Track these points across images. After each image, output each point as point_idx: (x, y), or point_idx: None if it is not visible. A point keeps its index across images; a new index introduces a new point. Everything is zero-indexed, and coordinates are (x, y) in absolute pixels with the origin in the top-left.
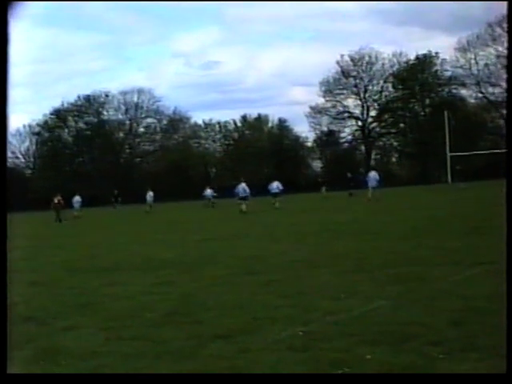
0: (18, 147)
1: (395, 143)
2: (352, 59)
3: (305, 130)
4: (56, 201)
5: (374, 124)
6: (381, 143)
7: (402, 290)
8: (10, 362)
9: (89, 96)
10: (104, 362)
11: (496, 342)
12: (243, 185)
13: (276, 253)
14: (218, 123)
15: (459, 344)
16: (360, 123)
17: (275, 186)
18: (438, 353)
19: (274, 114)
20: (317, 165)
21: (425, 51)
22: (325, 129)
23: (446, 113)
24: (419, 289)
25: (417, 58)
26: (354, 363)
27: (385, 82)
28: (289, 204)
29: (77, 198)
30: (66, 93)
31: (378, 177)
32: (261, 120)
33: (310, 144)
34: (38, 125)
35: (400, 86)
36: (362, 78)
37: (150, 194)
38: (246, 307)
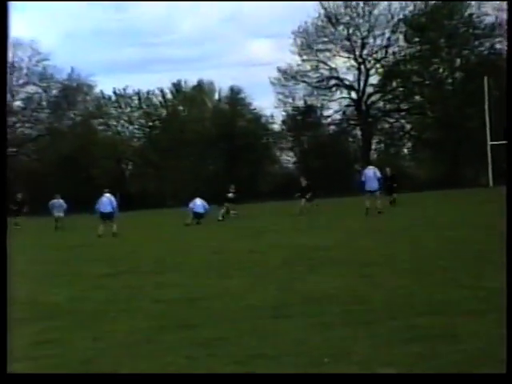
0: None
1: (407, 126)
2: None
3: (269, 106)
4: None
5: (376, 97)
6: (386, 126)
7: (418, 352)
8: None
9: None
10: None
11: None
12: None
13: (224, 294)
14: (137, 94)
15: None
16: (354, 95)
17: (199, 203)
18: None
19: (222, 80)
20: (287, 158)
21: None
22: (300, 103)
23: (486, 80)
24: (445, 351)
25: None
26: None
27: (392, 31)
28: (244, 221)
29: None
30: None
31: (379, 175)
32: (202, 90)
33: (277, 127)
34: None
35: (416, 39)
36: (357, 27)
37: (56, 203)
38: None
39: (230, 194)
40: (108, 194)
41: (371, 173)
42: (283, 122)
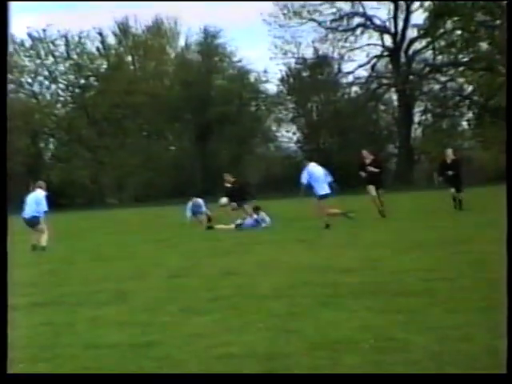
0: None
1: (468, 87)
2: None
3: (262, 56)
4: None
5: (421, 43)
6: (435, 87)
7: None
8: None
9: None
10: None
11: None
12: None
13: (190, 337)
14: (64, 38)
15: None
16: (389, 41)
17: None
18: None
19: (191, 17)
20: (287, 135)
21: None
22: (308, 53)
23: None
24: None
25: None
26: None
27: None
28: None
29: None
30: None
31: (329, 177)
32: (160, 31)
33: (272, 88)
34: None
35: None
36: None
37: None
38: None
39: (230, 188)
40: (38, 190)
41: (320, 171)
42: (282, 80)
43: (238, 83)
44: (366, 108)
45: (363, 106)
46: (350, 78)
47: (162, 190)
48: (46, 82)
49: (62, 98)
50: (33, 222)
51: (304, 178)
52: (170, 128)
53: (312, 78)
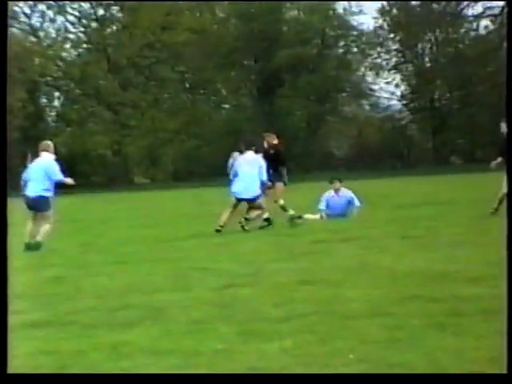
0: None
1: None
2: None
3: None
4: None
5: None
6: None
7: None
8: None
9: None
10: None
11: None
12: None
13: None
14: None
15: None
16: None
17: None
18: None
19: None
20: (389, 90)
21: None
22: None
23: None
24: None
25: None
26: None
27: None
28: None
29: None
30: None
31: (262, 170)
32: None
33: (369, 23)
34: None
35: None
36: None
37: None
38: None
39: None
40: (44, 155)
41: (253, 162)
42: (381, 12)
43: (319, 15)
44: (500, 50)
45: (495, 48)
46: (479, 7)
47: (209, 164)
48: (50, 13)
49: (71, 36)
50: (39, 203)
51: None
52: (223, 78)
53: (424, 9)
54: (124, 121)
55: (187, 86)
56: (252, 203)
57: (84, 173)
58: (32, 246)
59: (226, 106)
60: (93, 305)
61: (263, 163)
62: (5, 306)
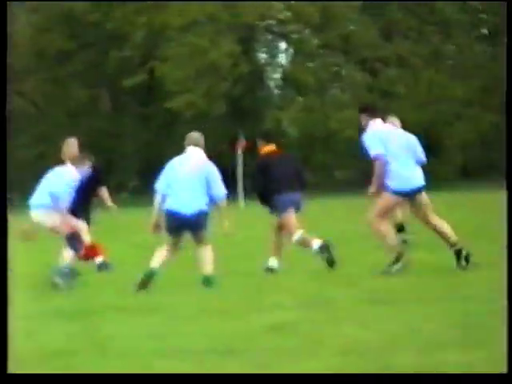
0: None
1: None
2: None
3: None
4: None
5: None
6: None
7: None
8: None
9: None
10: None
11: None
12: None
13: None
14: None
15: None
16: None
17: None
18: None
19: None
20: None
21: None
22: None
23: None
24: None
25: None
26: None
27: None
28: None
29: None
30: None
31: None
32: None
33: None
34: None
35: None
36: None
37: None
38: None
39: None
40: (195, 151)
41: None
42: None
43: None
44: None
45: None
46: None
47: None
48: None
49: None
50: (199, 222)
51: None
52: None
53: None
54: (386, 87)
55: (485, 31)
56: None
57: (325, 166)
58: (206, 283)
59: None
60: None
61: None
62: (5, 306)
